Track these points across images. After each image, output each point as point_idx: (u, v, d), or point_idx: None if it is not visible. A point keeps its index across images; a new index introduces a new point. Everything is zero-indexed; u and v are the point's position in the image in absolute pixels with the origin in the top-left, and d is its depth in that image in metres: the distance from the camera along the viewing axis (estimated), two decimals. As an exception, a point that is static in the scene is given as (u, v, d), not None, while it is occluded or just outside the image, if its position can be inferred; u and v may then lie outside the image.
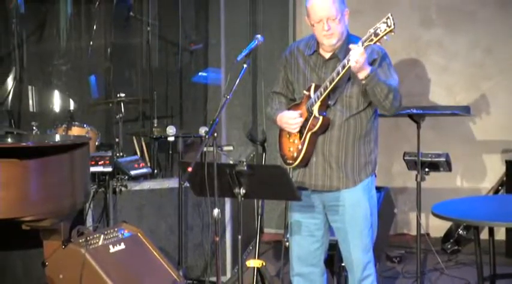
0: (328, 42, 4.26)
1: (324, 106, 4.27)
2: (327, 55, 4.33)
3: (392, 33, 4.02)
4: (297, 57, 4.43)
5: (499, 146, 7.08)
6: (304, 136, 4.32)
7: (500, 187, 6.83)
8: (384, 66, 4.29)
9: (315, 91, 4.28)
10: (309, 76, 4.37)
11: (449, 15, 7.12)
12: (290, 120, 4.35)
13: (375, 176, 4.44)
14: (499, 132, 7.08)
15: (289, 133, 4.40)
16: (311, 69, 4.37)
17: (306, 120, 4.31)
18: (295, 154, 4.36)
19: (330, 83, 4.19)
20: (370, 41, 4.05)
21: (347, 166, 4.33)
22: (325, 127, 4.28)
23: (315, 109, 4.27)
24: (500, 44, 7.07)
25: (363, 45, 4.07)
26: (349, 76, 4.22)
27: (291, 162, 4.39)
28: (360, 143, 4.34)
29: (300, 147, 4.34)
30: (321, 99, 4.24)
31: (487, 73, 7.12)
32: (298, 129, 4.34)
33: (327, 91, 4.22)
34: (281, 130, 4.47)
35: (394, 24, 4.00)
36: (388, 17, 4.03)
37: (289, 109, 4.43)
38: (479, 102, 7.07)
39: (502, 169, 6.80)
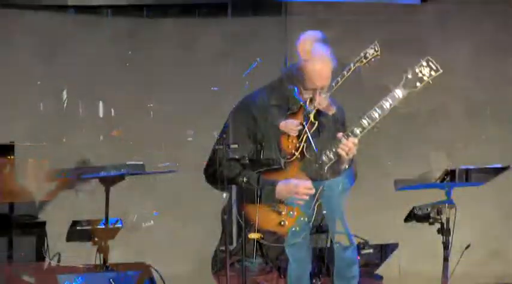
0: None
1: (317, 114, 4.27)
2: None
3: (378, 57, 4.01)
4: None
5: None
6: (301, 137, 4.30)
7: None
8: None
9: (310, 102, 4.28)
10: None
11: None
12: (293, 126, 4.33)
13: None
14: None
15: (289, 135, 4.38)
16: None
17: (303, 125, 4.30)
18: (293, 151, 4.34)
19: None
20: (360, 63, 4.05)
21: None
22: (318, 131, 4.29)
23: (311, 116, 4.26)
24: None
25: (354, 66, 4.08)
26: None
27: (289, 157, 4.37)
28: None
29: (297, 145, 4.32)
30: (316, 109, 4.23)
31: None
32: (297, 132, 4.33)
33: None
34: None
35: (379, 49, 4.00)
36: (375, 44, 4.01)
37: (287, 117, 4.42)
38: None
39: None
